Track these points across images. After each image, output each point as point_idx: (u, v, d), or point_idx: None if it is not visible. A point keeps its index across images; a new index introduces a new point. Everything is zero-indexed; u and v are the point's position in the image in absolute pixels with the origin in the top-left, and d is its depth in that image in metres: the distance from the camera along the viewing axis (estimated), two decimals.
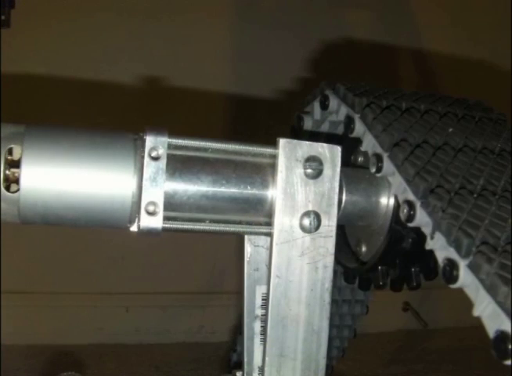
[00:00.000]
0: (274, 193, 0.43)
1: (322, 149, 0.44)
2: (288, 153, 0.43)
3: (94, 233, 1.53)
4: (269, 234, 0.44)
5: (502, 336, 0.31)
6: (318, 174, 0.43)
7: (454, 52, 1.83)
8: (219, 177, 0.43)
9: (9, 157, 0.40)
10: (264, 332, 0.46)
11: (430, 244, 0.39)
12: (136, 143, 0.42)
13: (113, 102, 1.61)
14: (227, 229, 0.44)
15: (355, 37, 1.79)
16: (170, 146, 0.42)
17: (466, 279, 0.35)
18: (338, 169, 0.44)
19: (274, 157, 0.44)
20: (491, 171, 0.43)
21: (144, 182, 0.41)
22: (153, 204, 0.41)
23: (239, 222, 0.45)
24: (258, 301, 0.48)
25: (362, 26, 1.83)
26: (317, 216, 0.43)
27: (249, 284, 0.48)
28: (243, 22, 1.73)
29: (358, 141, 0.49)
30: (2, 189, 0.40)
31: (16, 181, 0.40)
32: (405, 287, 0.52)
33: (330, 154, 0.44)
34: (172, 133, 0.43)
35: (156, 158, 0.41)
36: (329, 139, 0.60)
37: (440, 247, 0.37)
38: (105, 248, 1.63)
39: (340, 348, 0.77)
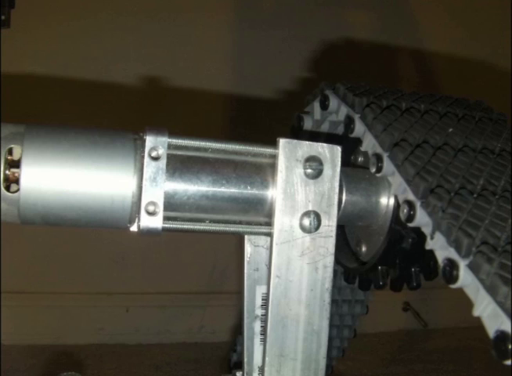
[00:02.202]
0: (274, 193, 0.43)
1: (322, 149, 0.44)
2: (288, 153, 0.43)
3: (94, 233, 1.53)
4: (269, 234, 0.44)
5: (502, 336, 0.31)
6: (318, 174, 0.43)
7: (454, 52, 1.83)
8: (219, 177, 0.43)
9: (9, 157, 0.40)
10: (264, 332, 0.46)
11: (430, 244, 0.39)
12: (136, 143, 0.42)
13: (113, 102, 1.61)
14: (227, 229, 0.44)
15: (355, 37, 1.79)
16: (170, 146, 0.42)
17: (466, 279, 0.35)
18: (338, 169, 0.44)
19: (274, 157, 0.44)
20: (491, 171, 0.43)
21: (144, 182, 0.41)
22: (153, 204, 0.41)
23: (239, 222, 0.45)
24: (258, 301, 0.48)
25: (362, 26, 1.83)
26: (317, 216, 0.43)
27: (249, 284, 0.48)
28: (243, 22, 1.73)
29: (358, 141, 0.49)
30: (2, 189, 0.40)
31: (16, 181, 0.40)
32: (405, 287, 0.52)
33: (330, 154, 0.44)
34: (172, 133, 0.43)
35: (156, 158, 0.41)
36: (328, 139, 0.60)
37: (440, 247, 0.37)
38: (105, 248, 1.63)
39: (340, 348, 0.77)
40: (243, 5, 1.73)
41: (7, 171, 0.40)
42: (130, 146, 0.42)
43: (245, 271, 0.48)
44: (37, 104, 1.54)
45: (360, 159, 0.57)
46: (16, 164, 0.40)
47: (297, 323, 0.43)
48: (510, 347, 0.30)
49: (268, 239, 0.45)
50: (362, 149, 0.48)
